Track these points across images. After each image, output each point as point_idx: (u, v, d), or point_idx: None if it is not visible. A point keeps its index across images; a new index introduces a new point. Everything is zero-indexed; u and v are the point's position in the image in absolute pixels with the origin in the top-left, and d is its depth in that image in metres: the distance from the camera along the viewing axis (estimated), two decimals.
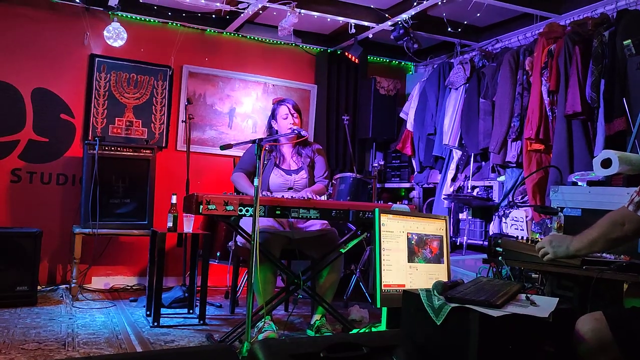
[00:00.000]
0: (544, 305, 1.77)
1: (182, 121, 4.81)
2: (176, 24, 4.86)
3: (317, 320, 3.27)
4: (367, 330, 2.58)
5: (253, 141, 2.79)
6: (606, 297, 1.96)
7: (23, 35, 4.40)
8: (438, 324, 1.75)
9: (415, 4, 4.23)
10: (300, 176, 3.48)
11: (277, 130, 3.52)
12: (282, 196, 3.11)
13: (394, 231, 2.31)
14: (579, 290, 2.06)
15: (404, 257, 2.32)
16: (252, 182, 3.40)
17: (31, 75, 4.41)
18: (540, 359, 1.77)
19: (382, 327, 2.35)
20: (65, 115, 4.53)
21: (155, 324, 3.35)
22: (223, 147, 2.83)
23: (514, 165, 4.10)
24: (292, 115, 3.50)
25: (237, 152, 4.12)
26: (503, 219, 3.89)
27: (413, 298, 1.90)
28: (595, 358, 1.64)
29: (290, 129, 3.40)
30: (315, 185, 3.50)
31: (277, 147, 3.52)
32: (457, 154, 4.66)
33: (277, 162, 3.47)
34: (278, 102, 3.60)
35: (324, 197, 3.30)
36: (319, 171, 3.59)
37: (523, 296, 1.86)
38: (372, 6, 4.55)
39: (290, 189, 3.43)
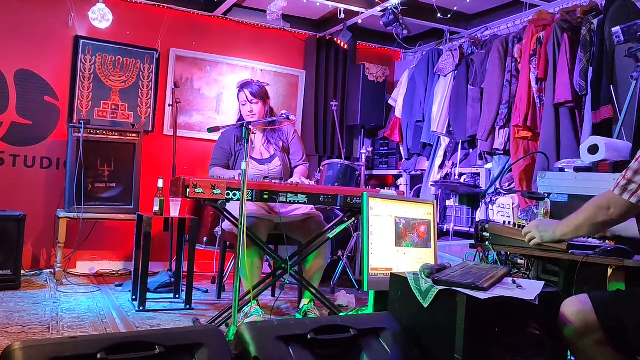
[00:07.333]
0: (530, 288, 1.78)
1: (169, 105, 4.75)
2: (163, 6, 4.78)
3: (305, 304, 3.27)
4: (354, 313, 2.59)
5: (241, 124, 2.76)
6: (591, 281, 1.97)
7: (6, 15, 4.30)
8: (425, 306, 1.75)
9: None
10: (274, 164, 3.42)
11: (241, 116, 3.45)
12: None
13: (382, 215, 2.31)
14: (565, 274, 2.08)
15: (391, 241, 2.32)
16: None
17: (14, 56, 4.32)
18: (526, 341, 1.78)
19: (369, 310, 2.36)
20: (49, 97, 4.46)
21: (141, 308, 3.33)
22: (211, 130, 2.80)
23: (502, 152, 4.12)
24: (251, 102, 3.37)
25: None
26: (490, 206, 3.91)
27: (400, 281, 1.90)
28: (580, 340, 1.66)
29: (280, 113, 3.33)
30: (302, 170, 3.47)
31: None
32: (445, 141, 4.67)
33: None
34: (240, 87, 3.43)
35: (312, 182, 3.29)
36: (297, 155, 3.53)
37: (509, 279, 1.87)
38: None
39: (266, 178, 3.35)
